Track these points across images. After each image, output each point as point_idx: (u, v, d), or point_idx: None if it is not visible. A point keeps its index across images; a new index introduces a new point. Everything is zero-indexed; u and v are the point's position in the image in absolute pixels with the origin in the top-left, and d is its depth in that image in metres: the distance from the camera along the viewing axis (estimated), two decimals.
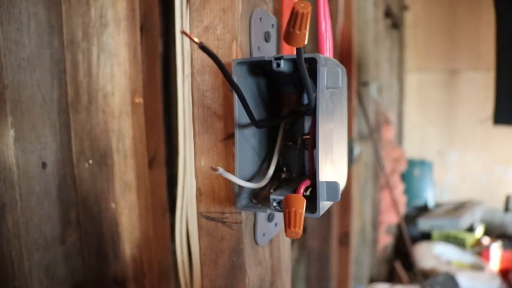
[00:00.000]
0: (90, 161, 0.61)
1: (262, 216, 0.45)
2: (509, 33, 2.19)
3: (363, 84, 1.99)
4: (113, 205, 0.63)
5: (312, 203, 0.38)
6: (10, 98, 0.55)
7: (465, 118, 3.14)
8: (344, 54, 1.53)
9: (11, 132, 0.56)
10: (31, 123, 0.58)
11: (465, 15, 3.08)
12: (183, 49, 0.44)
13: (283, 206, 0.32)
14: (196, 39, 0.28)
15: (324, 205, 0.36)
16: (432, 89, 3.22)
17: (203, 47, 0.30)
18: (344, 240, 1.80)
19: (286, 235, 0.30)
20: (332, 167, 0.38)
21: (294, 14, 0.27)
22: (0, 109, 0.55)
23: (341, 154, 0.42)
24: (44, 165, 0.60)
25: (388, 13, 2.51)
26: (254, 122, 0.37)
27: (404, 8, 3.07)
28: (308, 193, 0.40)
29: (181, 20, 0.43)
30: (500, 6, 2.19)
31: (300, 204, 0.31)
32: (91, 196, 0.63)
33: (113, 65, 0.58)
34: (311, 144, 0.39)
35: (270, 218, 0.46)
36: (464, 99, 3.14)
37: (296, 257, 1.67)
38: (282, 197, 0.37)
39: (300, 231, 0.29)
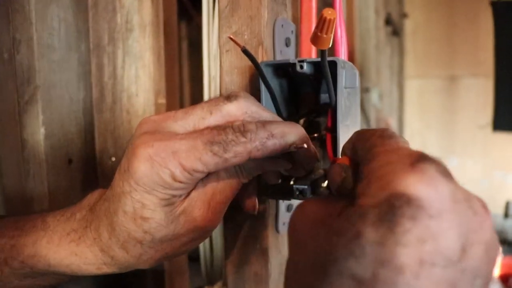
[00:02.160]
0: (113, 159, 0.65)
1: (282, 206, 0.48)
2: (507, 40, 2.24)
3: (365, 90, 2.03)
4: None
5: (330, 192, 0.42)
6: (42, 98, 0.59)
7: (464, 124, 3.17)
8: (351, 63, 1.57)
9: (42, 130, 0.59)
10: (59, 121, 0.62)
11: (464, 23, 3.13)
12: (209, 52, 0.47)
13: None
14: (240, 43, 0.32)
15: None
16: (432, 95, 3.26)
17: (245, 51, 0.34)
18: None
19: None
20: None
21: (322, 20, 0.30)
22: (32, 108, 0.59)
23: None
24: (70, 161, 0.64)
25: (388, 21, 2.56)
26: (282, 118, 0.41)
27: (404, 15, 3.12)
28: (325, 184, 0.44)
29: (208, 26, 0.47)
30: (498, 14, 2.24)
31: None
32: None
33: (138, 68, 0.61)
34: (329, 137, 0.42)
35: (289, 209, 0.50)
36: (464, 105, 3.18)
37: None
38: (304, 187, 0.40)
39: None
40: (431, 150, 3.27)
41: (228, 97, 0.36)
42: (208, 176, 0.37)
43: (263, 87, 0.41)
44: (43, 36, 0.59)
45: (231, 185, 0.37)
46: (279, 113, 0.42)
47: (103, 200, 0.38)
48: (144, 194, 0.34)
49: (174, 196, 0.35)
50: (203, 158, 0.33)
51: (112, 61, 0.64)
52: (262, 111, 0.37)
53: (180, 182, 0.34)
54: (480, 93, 3.09)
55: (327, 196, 0.38)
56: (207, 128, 0.35)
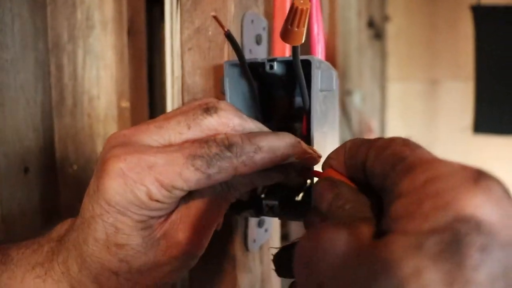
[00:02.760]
0: (75, 166, 0.60)
1: (252, 222, 0.44)
2: (487, 44, 2.25)
3: (347, 93, 2.01)
4: None
5: (302, 208, 0.38)
6: None
7: (445, 127, 3.19)
8: (329, 63, 1.54)
9: None
10: (13, 126, 0.56)
11: (445, 27, 3.14)
12: (172, 51, 0.43)
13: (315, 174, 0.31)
14: (224, 26, 0.28)
15: None
16: (414, 98, 3.27)
17: (229, 36, 0.30)
18: None
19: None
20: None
21: (293, 11, 0.26)
22: None
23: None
24: (26, 170, 0.58)
25: (370, 24, 2.55)
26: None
27: (386, 18, 3.12)
28: (300, 197, 0.40)
29: (171, 21, 0.43)
30: (478, 18, 2.25)
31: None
32: (76, 201, 0.62)
33: (99, 68, 0.57)
34: None
35: (260, 224, 0.45)
36: (445, 108, 3.20)
37: None
38: (274, 202, 0.36)
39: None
40: None
41: (207, 110, 0.32)
42: (192, 195, 0.33)
43: (228, 90, 0.36)
44: None
45: (219, 205, 0.34)
46: (258, 115, 0.37)
47: (72, 230, 0.33)
48: (117, 216, 0.30)
49: (152, 217, 0.31)
50: (183, 174, 0.29)
51: (72, 60, 0.59)
52: (246, 122, 0.33)
53: (158, 201, 0.30)
54: (460, 96, 3.10)
55: (338, 221, 0.31)
56: (187, 141, 0.31)
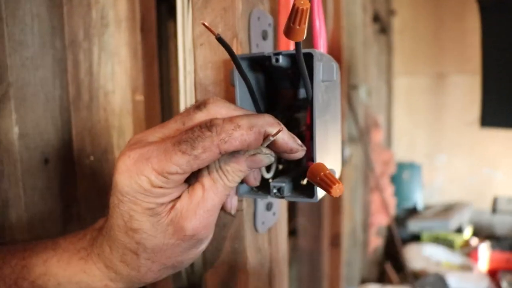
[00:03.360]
0: (91, 158, 0.63)
1: (261, 205, 0.47)
2: (494, 37, 2.25)
3: (353, 87, 2.03)
4: None
5: (309, 191, 0.41)
6: (15, 96, 0.57)
7: (452, 121, 3.19)
8: (334, 57, 1.56)
9: (16, 129, 0.57)
10: (34, 120, 0.60)
11: (451, 20, 3.15)
12: (184, 46, 0.46)
13: (311, 177, 0.34)
14: (214, 31, 0.31)
15: (321, 190, 0.39)
16: (420, 92, 3.28)
17: (219, 39, 0.32)
18: (336, 241, 1.82)
19: (333, 195, 0.31)
20: (327, 157, 0.41)
21: (294, 10, 0.29)
22: (5, 107, 0.57)
23: (335, 145, 0.44)
24: (46, 161, 0.62)
25: (376, 18, 2.56)
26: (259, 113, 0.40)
27: (391, 13, 3.12)
28: (305, 182, 0.43)
29: (182, 19, 0.46)
30: (485, 11, 2.25)
31: (323, 167, 0.33)
32: (93, 191, 0.65)
33: (114, 64, 0.60)
34: (308, 135, 0.41)
35: (268, 207, 0.48)
36: (451, 102, 3.20)
37: (288, 259, 1.69)
38: (282, 184, 0.39)
39: (342, 185, 0.31)
40: (419, 147, 3.28)
41: (198, 106, 0.37)
42: (194, 185, 0.37)
43: (237, 82, 0.39)
44: (14, 32, 0.57)
45: (218, 192, 0.37)
46: (257, 106, 0.40)
47: (106, 219, 0.39)
48: (130, 205, 0.35)
49: (159, 204, 0.35)
50: (173, 159, 0.33)
51: (88, 57, 0.62)
52: (233, 111, 0.37)
53: (159, 187, 0.34)
54: (467, 90, 3.10)
55: None
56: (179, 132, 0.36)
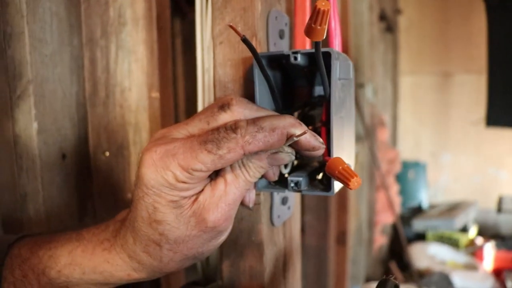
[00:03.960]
0: (107, 153, 0.65)
1: (277, 199, 0.48)
2: (500, 37, 2.25)
3: (359, 86, 2.03)
4: (129, 195, 0.66)
5: (324, 185, 0.42)
6: (34, 92, 0.58)
7: (458, 120, 3.19)
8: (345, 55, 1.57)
9: (35, 125, 0.59)
10: (52, 116, 0.61)
11: (457, 19, 3.14)
12: (202, 45, 0.47)
13: (329, 171, 0.35)
14: (240, 33, 0.32)
15: (337, 184, 0.40)
16: (426, 91, 3.28)
17: (245, 40, 0.34)
18: (342, 239, 1.83)
19: (351, 188, 0.32)
20: (343, 152, 0.42)
21: (316, 11, 0.30)
22: (24, 103, 0.58)
23: (350, 141, 0.45)
24: (64, 156, 0.63)
25: (382, 17, 2.56)
26: (278, 110, 0.41)
27: (397, 11, 3.12)
28: (320, 176, 0.44)
29: (201, 18, 0.47)
30: (491, 11, 2.24)
31: (341, 161, 0.34)
32: (108, 187, 0.67)
33: (131, 62, 0.61)
34: (323, 131, 0.42)
35: (284, 201, 0.50)
36: (457, 101, 3.20)
37: None
38: (299, 178, 0.40)
39: (360, 178, 0.32)
40: (424, 146, 3.29)
41: (222, 107, 0.38)
42: (216, 179, 0.38)
43: (257, 79, 0.40)
44: (34, 30, 0.58)
45: (239, 186, 0.38)
46: (276, 104, 0.42)
47: (129, 211, 0.41)
48: (154, 197, 0.36)
49: (182, 197, 0.37)
50: (199, 157, 0.35)
51: (105, 55, 0.63)
52: (257, 112, 0.39)
53: (183, 182, 0.36)
54: (473, 89, 3.10)
55: None
56: (204, 131, 0.37)
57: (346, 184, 0.33)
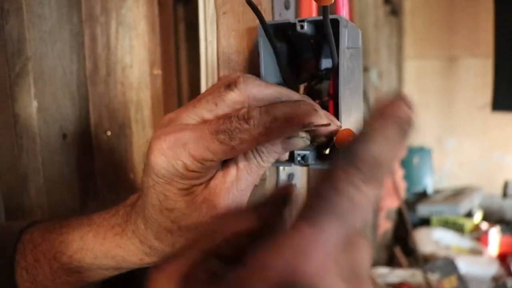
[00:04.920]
0: (109, 133, 0.63)
1: (283, 175, 0.47)
2: (507, 21, 2.21)
3: (364, 69, 2.01)
4: (131, 175, 0.65)
5: (331, 159, 0.41)
6: (33, 69, 0.57)
7: (463, 104, 3.16)
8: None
9: (34, 103, 0.57)
10: (52, 94, 0.60)
11: (463, 2, 3.09)
12: (205, 15, 0.46)
13: (339, 142, 0.34)
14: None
15: None
16: (431, 76, 3.24)
17: (250, 2, 0.32)
18: None
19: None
20: (351, 126, 0.41)
21: None
22: (23, 80, 0.57)
23: (358, 115, 0.44)
24: (64, 136, 0.62)
25: (387, 0, 2.52)
26: (285, 82, 0.40)
27: None
28: (327, 151, 0.43)
29: None
30: None
31: (352, 132, 0.34)
32: (109, 166, 0.65)
33: (132, 38, 0.59)
34: (331, 104, 0.41)
35: (290, 177, 0.48)
36: (463, 86, 3.17)
37: None
38: (306, 152, 0.39)
39: None
40: (429, 130, 3.26)
41: (229, 86, 0.36)
42: (228, 164, 0.37)
43: (262, 50, 0.39)
44: (33, 5, 0.56)
45: (252, 172, 0.37)
46: (284, 73, 0.40)
47: (139, 196, 0.40)
48: (165, 186, 0.36)
49: (193, 185, 0.36)
50: (211, 147, 0.34)
51: (105, 31, 0.61)
52: (265, 88, 0.36)
53: (194, 171, 0.35)
54: (479, 74, 3.06)
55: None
56: (215, 118, 0.35)
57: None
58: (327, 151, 0.42)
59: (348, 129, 0.34)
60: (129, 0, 0.59)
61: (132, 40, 0.59)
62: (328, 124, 0.36)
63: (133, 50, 0.60)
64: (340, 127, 0.37)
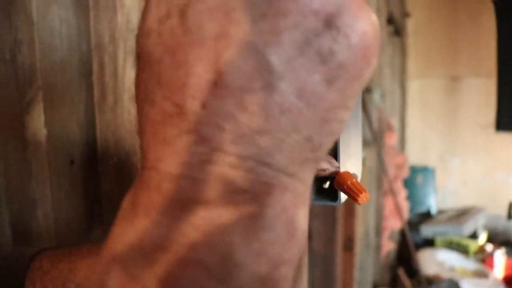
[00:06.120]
0: (115, 159, 0.65)
1: None
2: (510, 40, 2.23)
3: (367, 90, 2.03)
4: None
5: (331, 194, 0.42)
6: (44, 98, 0.59)
7: (466, 124, 3.17)
8: None
9: (44, 131, 0.59)
10: (61, 122, 0.61)
11: (466, 22, 3.12)
12: None
13: (338, 186, 0.35)
14: None
15: (344, 194, 0.40)
16: (434, 95, 3.26)
17: None
18: (349, 245, 1.82)
19: (359, 203, 0.32)
20: (350, 160, 0.42)
21: None
22: (34, 109, 0.59)
23: (357, 149, 0.45)
24: (72, 162, 0.63)
25: (390, 20, 2.55)
26: None
27: (405, 15, 3.12)
28: (327, 185, 0.44)
29: None
30: (500, 13, 2.23)
31: (350, 175, 0.34)
32: (115, 191, 0.67)
33: None
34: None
35: None
36: (466, 105, 3.18)
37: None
38: None
39: (368, 194, 0.32)
40: (432, 150, 3.26)
41: None
42: None
43: None
44: (44, 36, 0.58)
45: None
46: None
47: None
48: None
49: None
50: None
51: (113, 60, 0.63)
52: None
53: None
54: (482, 93, 3.08)
55: None
56: None
57: (354, 199, 0.33)
58: (327, 185, 0.43)
59: (347, 171, 0.35)
60: (136, 31, 0.61)
61: None
62: (325, 170, 0.37)
63: None
64: (339, 168, 0.38)
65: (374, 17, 0.20)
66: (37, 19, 0.57)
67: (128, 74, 0.62)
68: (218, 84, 0.18)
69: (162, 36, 0.20)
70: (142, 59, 0.21)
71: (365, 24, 0.20)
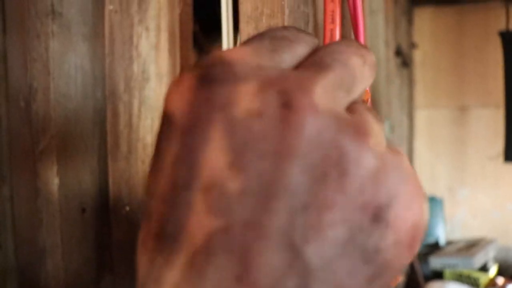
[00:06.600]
0: (127, 208, 0.64)
1: None
2: None
3: None
4: None
5: None
6: (57, 147, 0.58)
7: (475, 155, 3.14)
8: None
9: (56, 180, 0.58)
10: (74, 170, 0.61)
11: (473, 53, 3.13)
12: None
13: None
14: None
15: None
16: (442, 125, 3.25)
17: None
18: None
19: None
20: None
21: None
22: (47, 159, 0.58)
23: None
24: (83, 210, 0.63)
25: (398, 52, 2.56)
26: None
27: (413, 46, 3.13)
28: None
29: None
30: (507, 44, 2.24)
31: None
32: (127, 240, 0.65)
33: (154, 118, 0.61)
34: None
35: None
36: (474, 136, 3.16)
37: None
38: None
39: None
40: (441, 181, 3.23)
41: None
42: None
43: None
44: (59, 85, 0.58)
45: None
46: None
47: None
48: None
49: None
50: None
51: (127, 109, 0.63)
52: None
53: None
54: (490, 124, 3.06)
55: None
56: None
57: None
58: None
59: None
60: (152, 81, 0.61)
61: (154, 120, 0.61)
62: None
63: (154, 130, 0.61)
64: None
65: (426, 203, 0.18)
66: (53, 67, 0.57)
67: (143, 124, 0.62)
68: (244, 280, 0.16)
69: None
70: None
71: (417, 215, 0.18)
